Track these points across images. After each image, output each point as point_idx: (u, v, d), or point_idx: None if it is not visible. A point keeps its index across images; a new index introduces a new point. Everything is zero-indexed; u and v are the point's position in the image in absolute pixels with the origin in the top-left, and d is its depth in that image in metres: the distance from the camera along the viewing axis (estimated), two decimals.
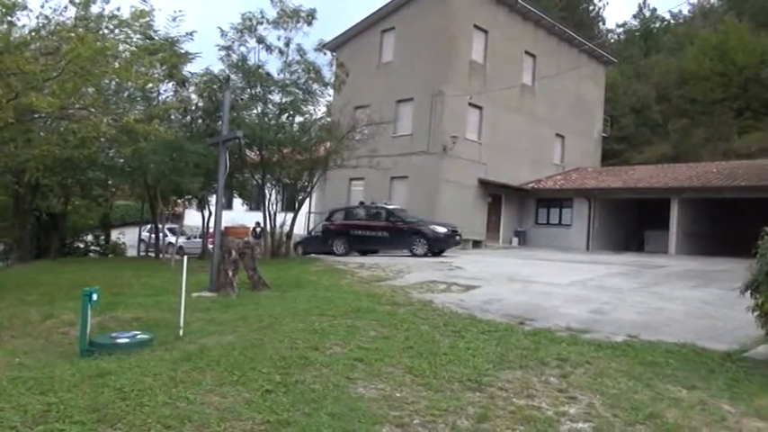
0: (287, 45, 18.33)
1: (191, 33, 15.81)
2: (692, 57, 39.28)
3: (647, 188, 23.24)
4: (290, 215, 19.73)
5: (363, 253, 18.10)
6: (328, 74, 19.48)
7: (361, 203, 19.36)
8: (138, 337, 6.13)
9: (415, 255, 17.31)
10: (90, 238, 24.69)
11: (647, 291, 10.48)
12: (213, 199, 19.16)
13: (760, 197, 19.57)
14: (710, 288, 10.88)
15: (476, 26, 24.67)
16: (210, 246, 15.39)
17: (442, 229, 18.09)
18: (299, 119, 19.16)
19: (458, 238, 18.41)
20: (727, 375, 5.40)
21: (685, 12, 48.65)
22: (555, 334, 6.85)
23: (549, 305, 8.82)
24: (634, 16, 53.25)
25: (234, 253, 10.10)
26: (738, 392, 4.98)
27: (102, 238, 25.03)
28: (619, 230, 25.73)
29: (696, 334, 6.90)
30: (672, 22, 50.19)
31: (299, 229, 23.75)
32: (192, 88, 17.99)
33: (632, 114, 39.91)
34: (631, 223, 26.44)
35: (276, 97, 18.63)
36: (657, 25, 51.01)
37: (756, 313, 5.54)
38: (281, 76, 18.50)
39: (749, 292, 5.72)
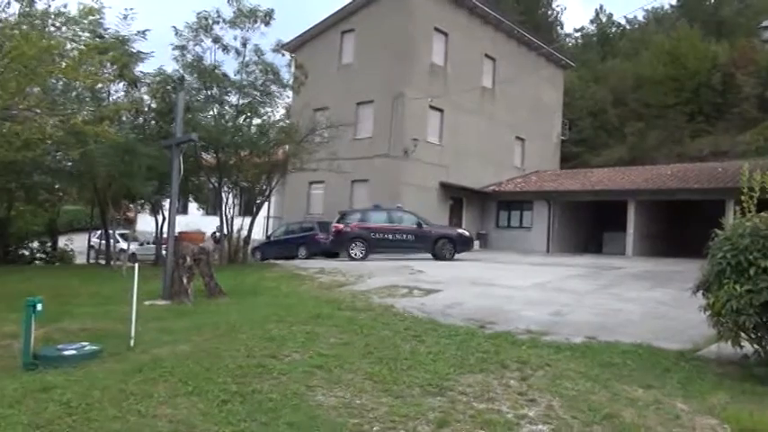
0: (244, 45, 18.16)
1: (143, 32, 15.49)
2: (646, 62, 40.69)
3: (604, 190, 23.86)
4: (247, 220, 19.47)
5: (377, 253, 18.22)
6: (287, 75, 19.41)
7: (376, 206, 19.36)
8: (86, 348, 5.95)
9: (438, 258, 17.80)
10: (36, 245, 23.80)
11: (605, 292, 10.75)
12: (167, 203, 18.81)
13: (711, 199, 20.30)
14: (666, 289, 11.23)
15: (436, 28, 24.90)
16: (165, 252, 15.08)
17: (466, 233, 19.08)
18: (256, 121, 19.03)
19: (474, 241, 19.47)
20: (681, 374, 5.57)
21: (640, 18, 50.47)
22: (515, 337, 6.95)
23: (510, 308, 8.95)
24: (591, 21, 54.96)
25: (189, 259, 9.90)
26: (691, 391, 5.16)
27: (49, 244, 24.18)
28: (578, 232, 26.35)
29: (652, 334, 7.12)
30: (627, 27, 51.92)
31: (258, 234, 23.54)
32: (144, 89, 17.61)
33: (590, 118, 41.02)
34: (590, 225, 27.14)
35: (233, 99, 18.43)
36: (614, 30, 52.66)
37: (708, 313, 5.73)
38: (238, 77, 18.31)
39: (701, 292, 5.93)
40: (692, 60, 37.80)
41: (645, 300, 9.84)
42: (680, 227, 24.77)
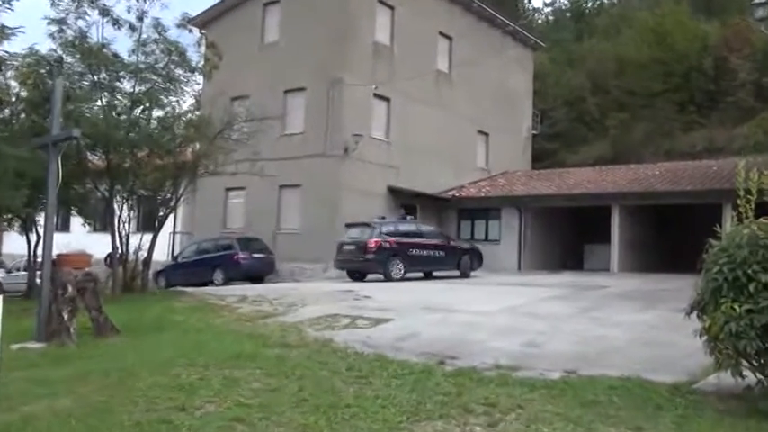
0: (140, 19, 17.68)
1: (8, 2, 14.94)
2: (628, 42, 42.04)
3: (584, 194, 24.64)
4: (148, 237, 19.07)
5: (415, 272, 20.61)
6: (196, 56, 19.07)
7: (405, 215, 22.05)
8: None
9: (465, 275, 20.99)
10: None
11: (586, 316, 11.04)
12: (43, 218, 18.16)
13: (706, 203, 21.25)
14: (656, 310, 11.64)
15: (380, 1, 25.15)
16: (39, 280, 14.55)
17: (478, 247, 22.79)
18: (158, 113, 18.61)
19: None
20: (675, 412, 5.72)
21: None
22: (481, 374, 7.03)
23: (475, 339, 9.06)
24: None
25: (70, 289, 9.56)
26: (688, 431, 5.33)
27: None
28: (554, 245, 27.10)
29: (641, 364, 7.34)
30: (605, 1, 53.84)
31: (161, 255, 23.08)
32: (11, 73, 16.99)
33: (565, 108, 42.18)
34: (569, 236, 27.92)
35: (127, 85, 17.98)
36: (590, 5, 54.53)
37: (704, 338, 5.91)
38: (134, 58, 17.83)
39: (695, 313, 6.13)
40: (680, 41, 39.32)
41: (632, 324, 10.15)
42: (671, 236, 25.77)
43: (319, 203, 23.40)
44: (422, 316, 11.13)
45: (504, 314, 11.25)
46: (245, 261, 22.20)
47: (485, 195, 26.71)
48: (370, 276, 19.91)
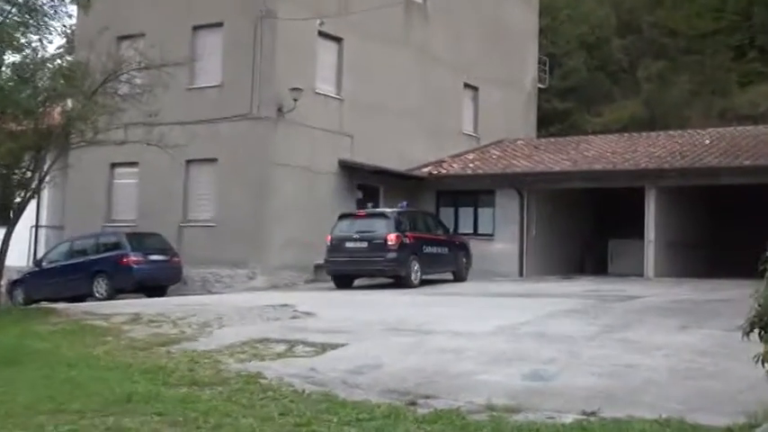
0: None
1: None
2: None
3: (608, 171, 24.83)
4: (0, 232, 18.76)
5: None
6: None
7: (406, 205, 22.97)
8: None
9: (460, 278, 23.19)
10: None
11: (611, 338, 11.15)
12: None
13: None
14: (705, 329, 11.78)
15: None
16: None
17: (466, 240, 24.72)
18: (12, 58, 18.42)
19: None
20: None
21: None
22: (467, 418, 7.02)
23: (460, 370, 9.08)
24: None
25: None
26: None
27: None
28: (569, 242, 27.33)
29: (685, 402, 7.41)
30: None
31: (18, 258, 22.77)
32: None
33: (583, 53, 42.45)
34: (588, 229, 28.24)
35: None
36: None
37: (767, 366, 5.97)
38: None
39: (756, 332, 6.19)
40: None
41: (673, 348, 10.28)
42: (727, 228, 26.27)
43: (243, 185, 23.29)
44: (386, 339, 11.12)
45: (500, 336, 11.30)
46: (139, 266, 21.93)
47: (473, 173, 26.85)
48: (295, 287, 20.68)
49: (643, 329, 11.93)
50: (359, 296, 18.15)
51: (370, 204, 23.49)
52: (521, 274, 25.38)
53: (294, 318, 13.54)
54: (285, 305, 15.23)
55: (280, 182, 23.33)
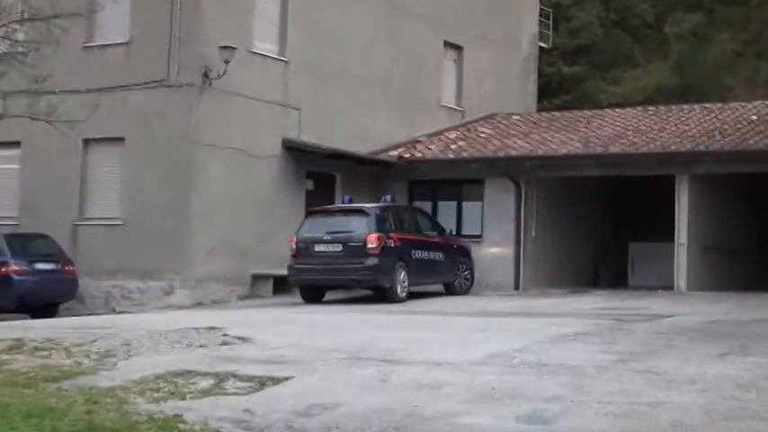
0: None
1: None
2: None
3: (628, 155, 25.07)
4: None
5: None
6: None
7: (391, 199, 24.02)
8: None
9: (455, 292, 23.87)
10: None
11: (632, 368, 11.17)
12: None
13: None
14: (752, 356, 11.81)
15: None
16: None
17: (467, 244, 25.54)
18: None
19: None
20: None
21: None
22: None
23: (438, 410, 9.04)
24: None
25: None
26: None
27: None
28: (578, 245, 27.55)
29: None
30: None
31: None
32: None
33: (597, 3, 42.59)
34: (603, 229, 28.48)
35: None
36: None
37: None
38: None
39: None
40: None
41: (710, 381, 10.33)
42: None
43: (158, 173, 23.23)
44: (345, 371, 11.06)
45: (490, 366, 11.27)
46: (22, 278, 21.72)
47: (456, 157, 27.00)
48: (229, 303, 20.96)
49: (671, 358, 11.99)
50: (316, 314, 18.20)
51: (346, 198, 23.55)
52: (517, 286, 25.58)
53: (225, 344, 13.41)
54: (213, 328, 15.10)
55: (206, 168, 23.31)
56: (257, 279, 23.51)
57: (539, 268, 26.08)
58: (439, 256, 23.34)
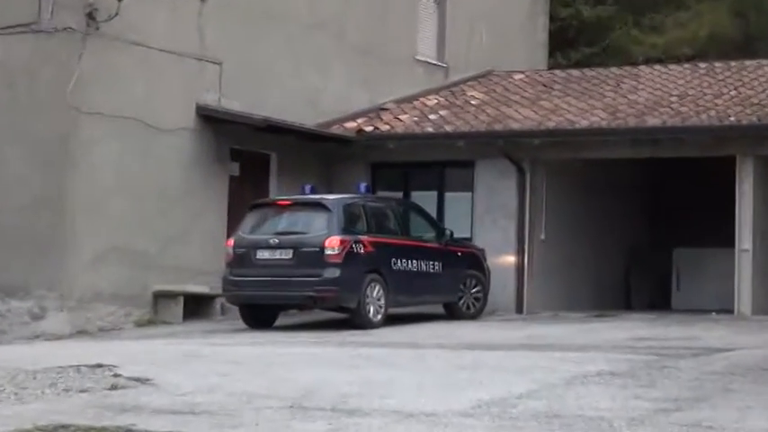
0: None
1: None
2: None
3: (671, 129, 25.15)
4: None
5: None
6: None
7: (367, 188, 24.48)
8: None
9: (457, 316, 24.25)
10: None
11: (676, 422, 11.13)
12: None
13: None
14: None
15: None
16: None
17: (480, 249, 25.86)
18: None
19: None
20: None
21: None
22: None
23: None
24: None
25: None
26: None
27: None
28: (603, 252, 27.81)
29: None
30: None
31: None
32: None
33: None
34: (637, 231, 28.74)
35: None
36: None
37: None
38: None
39: None
40: None
41: None
42: None
43: (23, 150, 23.14)
44: (281, 426, 11.00)
45: (480, 419, 11.23)
46: None
47: (435, 131, 27.11)
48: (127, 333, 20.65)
49: (729, 407, 11.97)
50: (248, 346, 18.27)
51: (308, 188, 23.47)
52: (519, 308, 25.77)
53: (116, 388, 13.29)
54: (100, 365, 15.02)
55: (92, 145, 23.22)
56: (162, 298, 23.45)
57: (550, 283, 26.26)
58: (434, 266, 23.56)
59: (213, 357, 16.94)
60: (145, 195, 23.55)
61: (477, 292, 24.27)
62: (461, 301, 23.94)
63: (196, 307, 23.90)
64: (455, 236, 25.78)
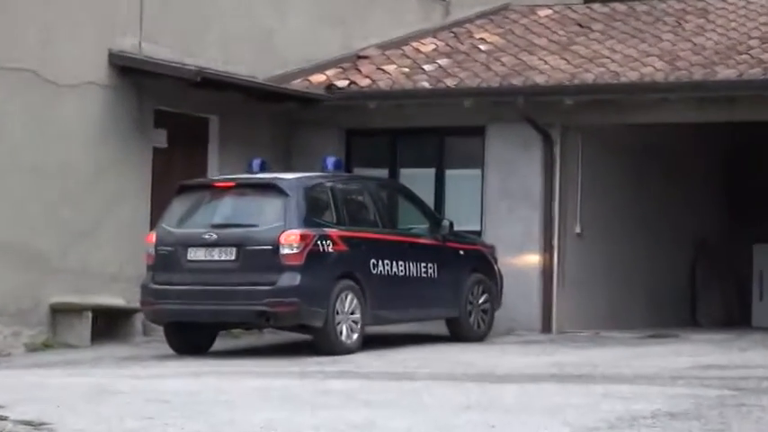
0: None
1: None
2: None
3: (750, 83, 25.10)
4: None
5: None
6: None
7: (337, 163, 24.48)
8: None
9: (462, 336, 24.48)
10: None
11: None
12: None
13: None
14: None
15: None
16: None
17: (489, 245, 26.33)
18: None
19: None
20: None
21: None
22: None
23: None
24: None
25: None
26: None
27: None
28: (660, 249, 27.91)
29: None
30: None
31: None
32: None
33: None
34: (704, 220, 28.74)
35: None
36: None
37: None
38: None
39: None
40: None
41: None
42: None
43: None
44: None
45: None
46: None
47: (433, 87, 27.09)
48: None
49: None
50: (176, 378, 18.04)
51: (256, 162, 23.27)
52: (547, 325, 25.84)
53: None
54: None
55: None
56: (63, 313, 23.35)
57: (587, 293, 26.36)
58: (428, 269, 23.53)
59: (132, 394, 16.80)
60: (39, 175, 23.42)
61: (485, 302, 24.31)
62: (471, 316, 23.75)
63: (109, 325, 23.82)
64: (456, 228, 25.57)
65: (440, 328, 24.27)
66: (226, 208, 21.69)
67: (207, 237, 20.98)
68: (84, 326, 23.60)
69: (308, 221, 21.20)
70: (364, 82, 27.51)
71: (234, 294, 20.83)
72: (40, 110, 23.65)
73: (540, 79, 26.43)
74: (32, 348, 23.11)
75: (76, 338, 23.02)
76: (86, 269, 23.38)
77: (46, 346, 23.28)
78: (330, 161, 23.29)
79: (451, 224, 24.48)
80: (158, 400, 16.09)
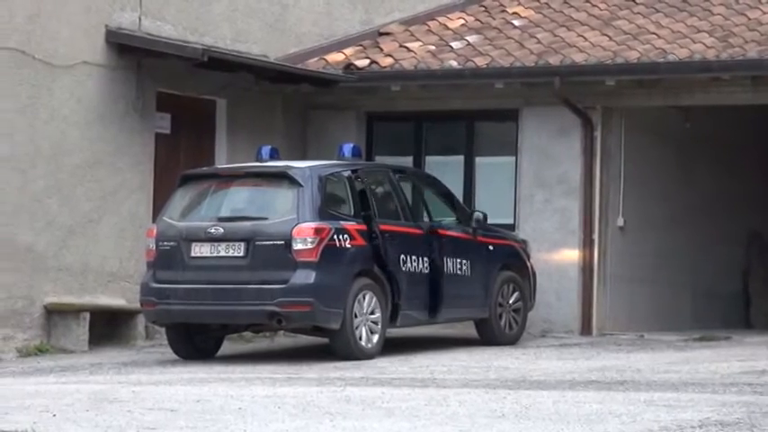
0: None
1: None
2: None
3: None
4: None
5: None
6: None
7: (356, 150, 24.31)
8: None
9: (492, 339, 24.60)
10: None
11: None
12: None
13: None
14: None
15: None
16: None
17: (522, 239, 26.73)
18: None
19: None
20: None
21: None
22: None
23: None
24: None
25: None
26: None
27: None
28: (712, 245, 28.06)
29: None
30: None
31: None
32: None
33: None
34: (759, 211, 28.97)
35: None
36: None
37: None
38: None
39: None
40: None
41: None
42: None
43: None
44: None
45: None
46: None
47: (462, 66, 27.13)
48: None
49: None
50: (181, 385, 18.04)
51: (265, 150, 23.20)
52: (586, 326, 25.96)
53: None
54: None
55: None
56: (58, 315, 23.48)
57: (631, 291, 26.45)
58: (459, 266, 23.64)
59: (134, 402, 16.86)
60: (32, 164, 23.52)
61: (517, 300, 24.32)
62: (501, 318, 23.68)
63: (108, 328, 23.88)
64: (488, 221, 25.67)
65: (468, 330, 24.11)
66: (233, 199, 21.52)
67: (213, 231, 20.84)
68: (82, 328, 23.64)
69: (323, 214, 21.07)
70: (386, 61, 27.56)
71: (242, 294, 20.69)
72: (31, 92, 23.75)
73: (578, 58, 26.46)
74: (25, 353, 23.16)
75: (73, 342, 23.04)
76: (83, 267, 23.45)
77: (40, 350, 23.31)
78: (347, 148, 23.22)
79: (485, 216, 24.49)
80: (162, 409, 16.17)
